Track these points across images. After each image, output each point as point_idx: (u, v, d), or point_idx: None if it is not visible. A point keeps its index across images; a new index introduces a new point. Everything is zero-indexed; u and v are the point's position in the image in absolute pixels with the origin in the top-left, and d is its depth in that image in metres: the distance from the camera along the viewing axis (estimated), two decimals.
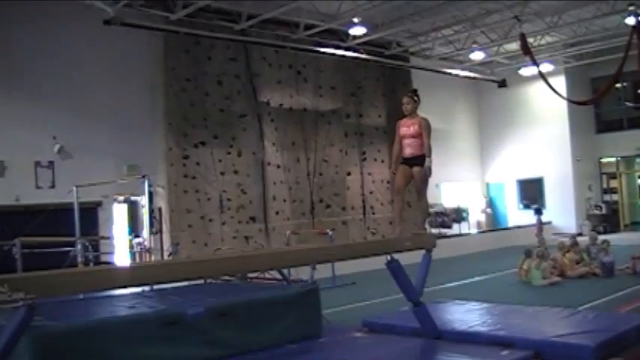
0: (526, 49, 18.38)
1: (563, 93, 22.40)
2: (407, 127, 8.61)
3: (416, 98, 8.77)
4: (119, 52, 17.78)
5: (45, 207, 13.80)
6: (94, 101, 17.27)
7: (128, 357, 6.66)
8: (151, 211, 14.06)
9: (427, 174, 8.51)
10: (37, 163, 16.57)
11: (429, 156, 8.48)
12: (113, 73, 17.68)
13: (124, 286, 7.70)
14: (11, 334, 4.84)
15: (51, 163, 16.75)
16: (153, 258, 14.57)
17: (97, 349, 6.49)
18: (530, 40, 20.90)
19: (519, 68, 26.63)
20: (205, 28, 18.98)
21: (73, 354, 6.33)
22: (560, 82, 24.69)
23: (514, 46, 23.05)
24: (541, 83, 20.52)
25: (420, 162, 8.47)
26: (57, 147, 16.72)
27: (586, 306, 10.50)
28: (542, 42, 23.76)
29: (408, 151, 8.58)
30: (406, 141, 8.59)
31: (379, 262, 7.91)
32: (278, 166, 21.05)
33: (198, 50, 19.41)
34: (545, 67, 23.45)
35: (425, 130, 8.52)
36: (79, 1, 16.10)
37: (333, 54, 21.89)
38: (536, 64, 18.95)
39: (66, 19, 16.72)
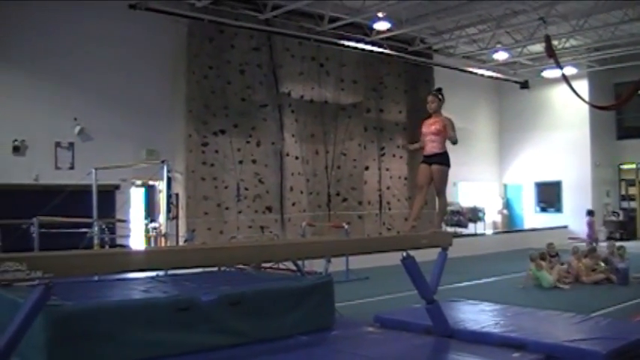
0: (550, 52, 18.26)
1: (585, 97, 22.26)
2: (429, 126, 8.58)
3: (441, 97, 8.69)
4: (143, 37, 17.84)
5: (63, 188, 13.82)
6: (116, 85, 17.35)
7: (140, 340, 6.70)
8: (169, 197, 14.09)
9: (447, 167, 8.57)
10: (57, 144, 16.66)
11: (454, 139, 8.54)
12: (136, 58, 17.75)
13: (140, 270, 7.75)
14: (28, 313, 4.87)
15: (71, 144, 16.83)
16: (168, 243, 14.61)
17: (111, 330, 6.54)
18: (555, 42, 20.78)
19: (542, 70, 26.54)
20: (230, 17, 18.99)
21: (88, 334, 6.38)
22: (582, 86, 24.52)
23: (538, 47, 22.93)
24: (563, 86, 20.39)
25: (439, 160, 8.47)
26: (77, 129, 16.80)
27: (599, 313, 10.45)
28: (567, 45, 23.60)
29: (428, 149, 8.56)
30: (426, 138, 8.57)
31: (393, 258, 7.91)
32: (296, 158, 21.06)
33: (221, 38, 19.42)
34: (569, 71, 23.32)
35: (448, 127, 8.49)
36: None
37: (356, 48, 21.86)
38: (560, 66, 18.82)
39: (91, 3, 16.76)
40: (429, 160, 8.53)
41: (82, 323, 6.39)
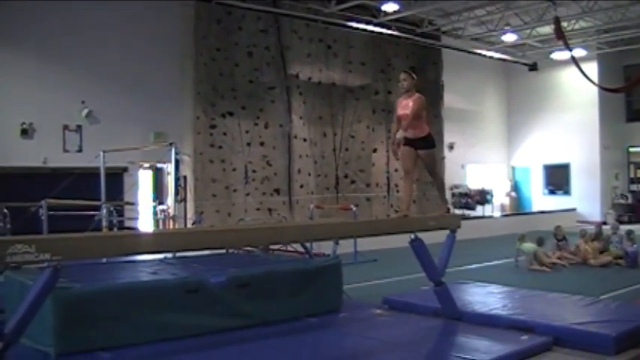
0: (559, 33, 18.09)
1: (595, 79, 22.12)
2: (404, 108, 8.07)
3: (414, 75, 8.28)
4: (151, 19, 17.82)
5: (72, 170, 13.85)
6: (123, 68, 17.32)
7: (149, 322, 6.73)
8: (177, 179, 14.10)
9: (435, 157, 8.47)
10: (65, 127, 16.67)
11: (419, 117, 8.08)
12: (144, 41, 17.71)
13: (148, 252, 7.77)
14: (37, 294, 4.90)
15: (79, 127, 16.84)
16: (176, 226, 14.63)
17: (119, 312, 6.57)
18: (564, 24, 20.61)
19: (551, 52, 26.38)
20: None
21: (96, 316, 6.41)
22: (591, 69, 24.33)
23: (547, 29, 22.78)
24: (572, 68, 20.22)
25: (425, 144, 8.10)
26: (85, 111, 16.80)
27: (608, 295, 10.42)
28: (576, 27, 23.44)
29: (410, 133, 8.07)
30: (404, 122, 8.04)
31: (401, 240, 7.92)
32: (304, 140, 21.05)
33: (229, 20, 19.37)
34: (578, 53, 23.16)
35: (423, 105, 8.06)
36: None
37: (364, 30, 21.77)
38: (569, 48, 18.65)
39: None
40: (414, 144, 8.09)
41: (91, 305, 6.42)
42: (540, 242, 14.57)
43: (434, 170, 8.64)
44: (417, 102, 7.98)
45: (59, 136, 16.57)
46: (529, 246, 14.38)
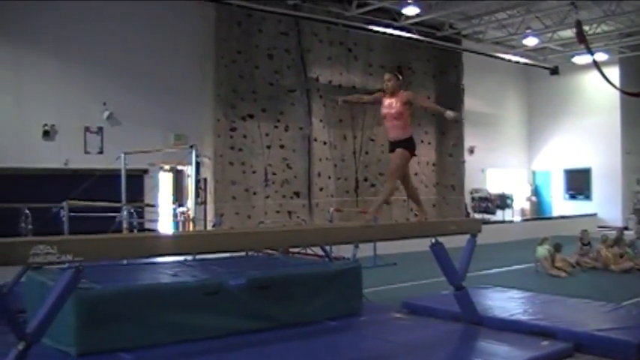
0: (581, 37, 17.99)
1: (616, 83, 21.96)
2: (388, 107, 7.83)
3: (400, 76, 7.93)
4: (171, 22, 17.89)
5: (93, 172, 13.93)
6: (144, 70, 17.40)
7: (169, 323, 6.76)
8: (197, 181, 14.12)
9: (406, 157, 7.80)
10: (87, 129, 16.77)
11: (443, 110, 7.81)
12: (164, 43, 17.77)
13: (168, 254, 7.79)
14: (59, 295, 4.93)
15: (100, 129, 16.94)
16: (196, 228, 14.66)
17: (139, 313, 6.60)
18: (586, 27, 20.50)
19: (573, 56, 26.22)
20: (258, 1, 18.96)
21: (117, 317, 6.46)
22: (613, 73, 24.15)
23: (568, 33, 22.70)
24: (594, 72, 20.11)
25: (403, 145, 7.78)
26: (106, 113, 16.90)
27: (630, 302, 10.32)
28: (598, 30, 23.29)
29: (391, 135, 7.89)
30: (388, 124, 7.87)
31: (421, 244, 7.90)
32: (324, 143, 21.03)
33: (249, 23, 19.41)
34: (600, 57, 23.00)
35: (412, 101, 7.83)
36: None
37: (385, 33, 21.76)
38: (590, 52, 18.55)
39: None
40: (394, 146, 7.87)
41: (111, 306, 6.46)
42: (558, 248, 14.48)
43: (393, 173, 7.95)
44: (400, 100, 7.74)
45: (80, 137, 16.66)
46: (541, 250, 14.31)
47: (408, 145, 7.80)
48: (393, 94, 7.84)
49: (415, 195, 8.34)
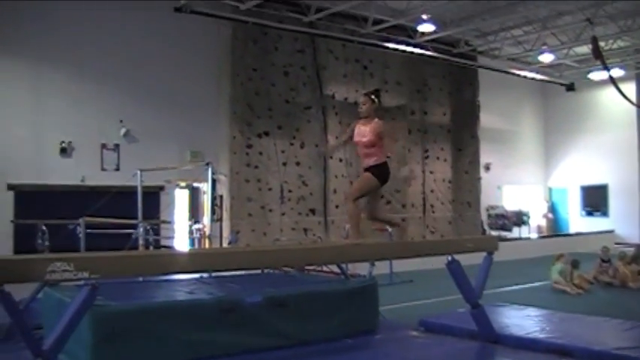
0: (597, 53, 17.93)
1: (633, 99, 21.88)
2: (360, 136, 7.60)
3: (375, 99, 7.70)
4: (188, 39, 17.98)
5: (109, 189, 14.02)
6: (160, 87, 17.51)
7: (185, 341, 6.75)
8: (213, 198, 14.16)
9: (375, 182, 7.58)
10: (103, 146, 16.88)
11: (403, 162, 7.67)
12: (181, 61, 17.88)
13: (185, 272, 7.79)
14: (75, 312, 4.94)
15: (116, 146, 17.04)
16: (212, 245, 14.68)
17: (156, 331, 6.60)
18: (602, 43, 20.44)
19: (589, 72, 26.14)
20: (274, 19, 19.04)
21: (133, 334, 6.45)
22: (630, 88, 24.06)
23: (584, 49, 22.65)
24: (610, 88, 20.04)
25: (372, 170, 7.57)
26: (123, 130, 17.00)
27: None
28: (614, 46, 23.23)
29: (364, 162, 7.67)
30: (362, 151, 7.64)
31: (437, 261, 7.86)
32: (340, 160, 21.02)
33: (265, 40, 19.49)
34: (616, 72, 22.89)
35: (381, 134, 7.52)
36: None
37: (401, 50, 21.78)
38: (607, 68, 18.49)
39: (137, 5, 16.95)
40: (365, 171, 7.68)
41: (127, 323, 6.46)
42: (575, 264, 14.40)
43: (354, 194, 7.72)
44: (373, 131, 7.50)
45: (97, 154, 16.77)
46: (555, 270, 14.22)
47: (377, 170, 7.57)
48: (367, 119, 7.64)
49: (377, 219, 8.28)
